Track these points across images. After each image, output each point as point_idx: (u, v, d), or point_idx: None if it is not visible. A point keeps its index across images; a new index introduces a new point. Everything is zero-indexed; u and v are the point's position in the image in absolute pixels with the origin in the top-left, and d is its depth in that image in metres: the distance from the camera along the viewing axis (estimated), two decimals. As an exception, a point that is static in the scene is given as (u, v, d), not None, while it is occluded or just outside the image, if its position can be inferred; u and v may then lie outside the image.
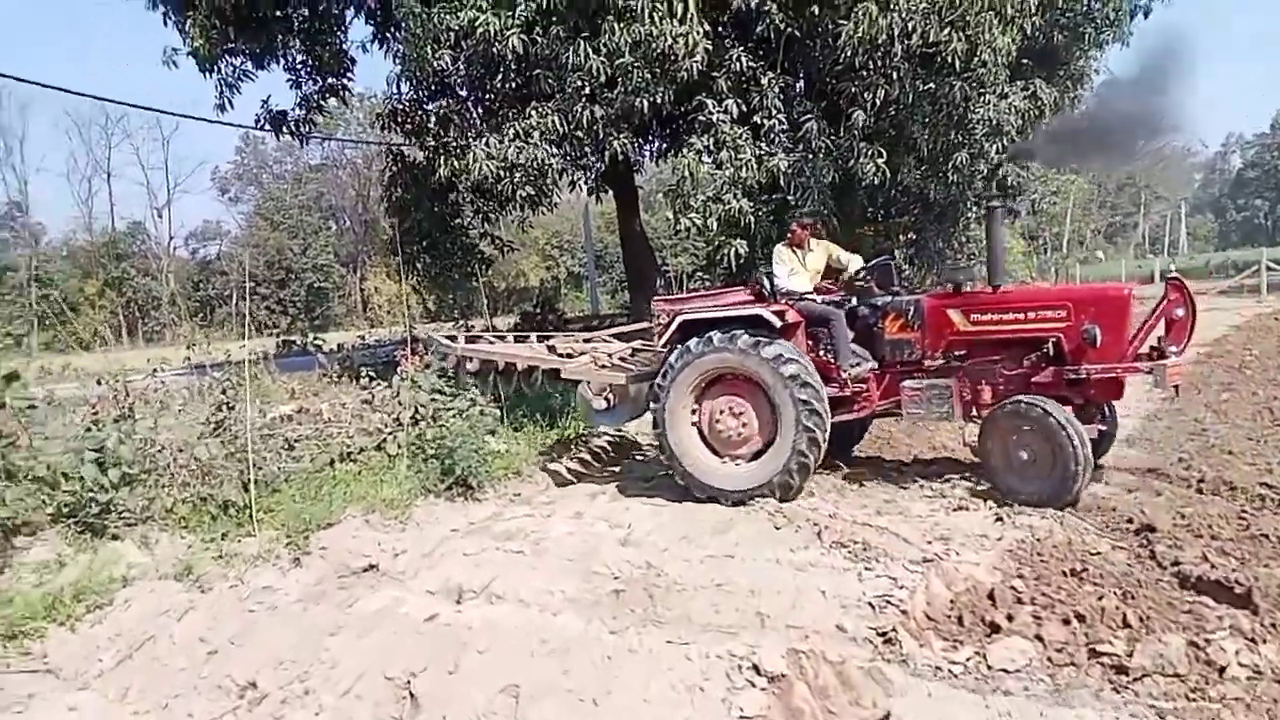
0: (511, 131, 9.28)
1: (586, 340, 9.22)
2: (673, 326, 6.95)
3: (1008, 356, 6.47)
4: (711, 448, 7.01)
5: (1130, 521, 5.32)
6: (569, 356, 8.59)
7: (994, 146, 13.56)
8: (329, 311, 59.31)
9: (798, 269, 7.54)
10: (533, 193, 9.86)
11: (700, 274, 27.07)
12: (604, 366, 8.24)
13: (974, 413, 6.64)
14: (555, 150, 9.15)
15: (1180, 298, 6.08)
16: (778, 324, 6.63)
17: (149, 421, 7.18)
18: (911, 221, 22.89)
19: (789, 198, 9.82)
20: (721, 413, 6.90)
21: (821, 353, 7.02)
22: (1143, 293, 7.50)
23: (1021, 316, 6.37)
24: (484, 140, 9.44)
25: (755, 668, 3.73)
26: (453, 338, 9.65)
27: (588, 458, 9.27)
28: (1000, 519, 5.66)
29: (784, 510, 6.32)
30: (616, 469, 8.79)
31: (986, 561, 4.83)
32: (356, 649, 4.47)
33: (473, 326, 20.09)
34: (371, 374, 11.13)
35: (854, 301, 7.42)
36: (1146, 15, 14.76)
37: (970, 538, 5.39)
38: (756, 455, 6.81)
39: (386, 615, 4.94)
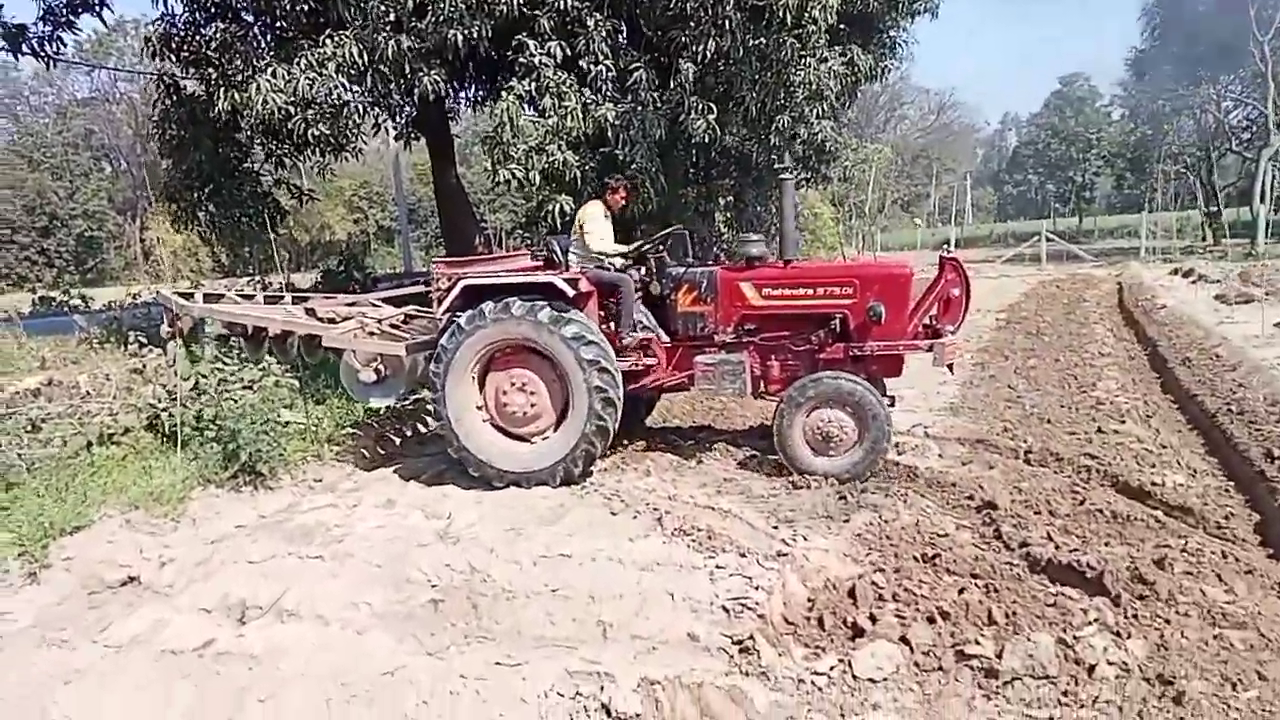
0: (304, 62, 8.09)
1: (352, 304, 8.24)
2: (454, 292, 6.26)
3: (796, 332, 6.40)
4: (498, 427, 6.42)
5: (970, 498, 5.21)
6: (331, 321, 7.60)
7: (814, 110, 13.66)
8: (104, 264, 53.13)
9: (607, 233, 7.00)
10: (329, 133, 8.70)
11: (521, 231, 26.14)
12: (373, 334, 7.30)
13: (763, 389, 6.53)
14: (354, 86, 8.05)
15: (956, 277, 6.14)
16: (570, 293, 6.12)
17: None
18: (732, 184, 23.11)
19: (617, 151, 9.23)
20: (509, 388, 6.33)
21: (611, 324, 6.65)
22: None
23: (811, 292, 6.28)
24: (271, 71, 8.18)
25: (605, 708, 3.18)
26: (189, 296, 8.40)
27: (406, 432, 8.41)
28: (844, 497, 5.40)
29: (620, 493, 5.82)
30: (436, 447, 7.96)
31: (837, 548, 4.53)
32: (96, 703, 3.53)
33: (269, 284, 18.32)
34: (142, 339, 9.67)
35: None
36: (955, -12, 15.21)
37: (816, 519, 5.09)
38: (542, 433, 6.38)
39: (142, 646, 4.01)
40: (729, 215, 25.30)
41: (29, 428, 6.62)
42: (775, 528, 5.02)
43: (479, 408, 6.41)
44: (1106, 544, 4.40)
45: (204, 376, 8.52)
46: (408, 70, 8.06)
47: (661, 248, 6.77)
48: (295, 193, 14.02)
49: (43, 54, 10.71)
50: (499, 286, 6.23)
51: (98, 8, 10.89)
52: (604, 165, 10.22)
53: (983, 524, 4.85)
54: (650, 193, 10.69)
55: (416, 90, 8.17)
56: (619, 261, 6.85)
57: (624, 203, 7.27)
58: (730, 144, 21.40)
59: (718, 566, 4.39)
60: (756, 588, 4.05)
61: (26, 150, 53.77)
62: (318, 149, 12.88)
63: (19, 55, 10.74)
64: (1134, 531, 4.57)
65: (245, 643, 4.00)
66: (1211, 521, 4.68)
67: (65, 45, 11.31)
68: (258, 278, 20.79)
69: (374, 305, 8.18)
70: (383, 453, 7.65)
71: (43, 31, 10.75)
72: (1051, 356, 10.46)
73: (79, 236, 52.39)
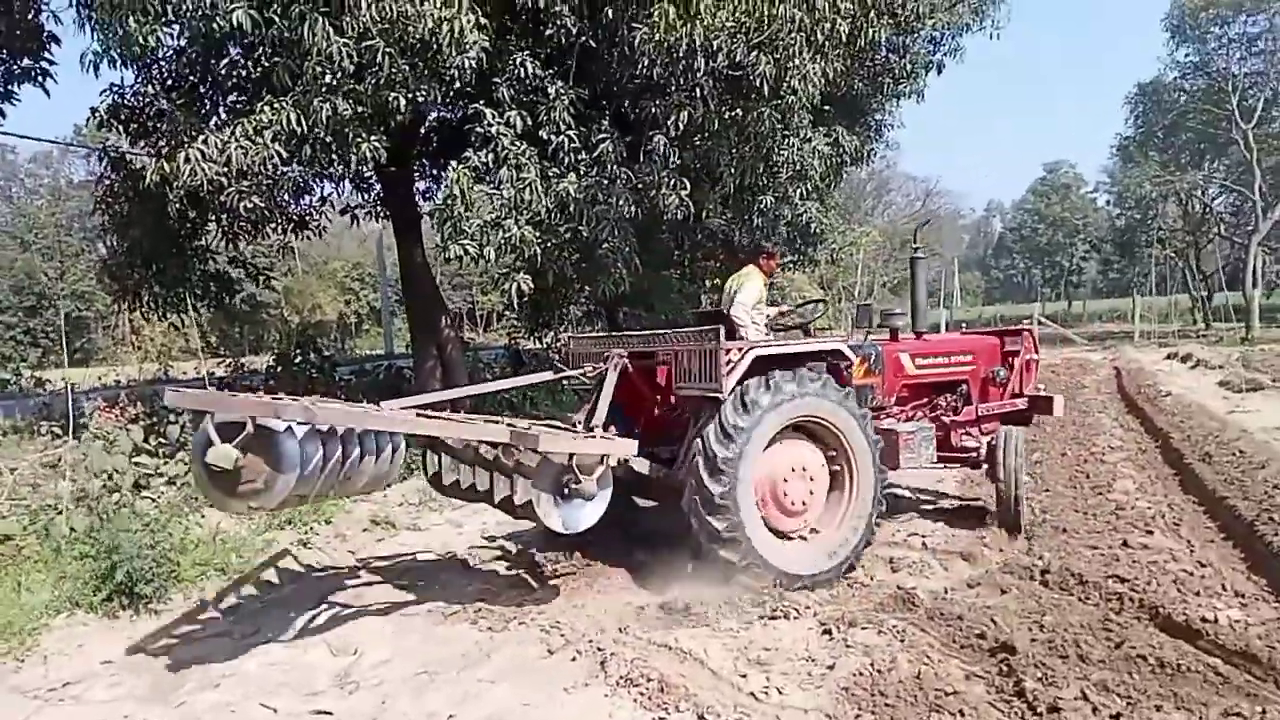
0: (238, 130, 7.42)
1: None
2: (745, 363, 5.22)
3: (934, 398, 6.92)
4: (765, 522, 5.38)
5: (982, 636, 4.25)
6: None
7: (798, 191, 13.15)
8: (90, 344, 52.41)
9: (763, 298, 6.89)
10: (263, 206, 7.99)
11: (509, 312, 25.56)
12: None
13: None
14: (289, 153, 7.35)
15: (1032, 345, 7.53)
16: (855, 362, 5.92)
17: None
18: (718, 266, 22.62)
19: (580, 228, 8.53)
20: (790, 474, 5.44)
21: None
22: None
23: (948, 360, 6.92)
24: (202, 140, 7.50)
25: None
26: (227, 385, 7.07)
27: (351, 533, 7.46)
28: (828, 632, 4.44)
29: (561, 624, 4.86)
30: (367, 553, 6.99)
31: (818, 708, 3.58)
32: None
33: (242, 366, 17.43)
34: (55, 430, 8.77)
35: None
36: (940, 71, 14.94)
37: (794, 663, 4.14)
38: (806, 527, 5.61)
39: None
40: (715, 297, 24.88)
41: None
42: (744, 676, 4.07)
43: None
44: (1159, 708, 3.46)
45: (119, 471, 7.67)
46: (349, 136, 7.39)
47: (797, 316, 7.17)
48: (253, 273, 13.33)
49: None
50: (785, 357, 5.48)
51: (38, 79, 10.31)
52: (569, 243, 9.54)
53: (999, 674, 3.89)
54: (622, 273, 9.99)
55: (354, 156, 7.49)
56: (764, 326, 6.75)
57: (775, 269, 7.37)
58: (713, 224, 21.06)
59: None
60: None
61: (19, 232, 53.78)
62: (280, 227, 12.35)
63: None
64: (1190, 689, 3.62)
65: None
66: (1283, 673, 3.76)
67: (4, 117, 10.72)
68: (228, 360, 19.99)
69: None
70: (314, 565, 6.66)
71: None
72: (1058, 450, 9.59)
73: (67, 317, 51.97)
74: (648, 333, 6.24)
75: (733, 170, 9.75)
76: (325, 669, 4.62)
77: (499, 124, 8.13)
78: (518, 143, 8.11)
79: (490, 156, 8.18)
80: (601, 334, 7.60)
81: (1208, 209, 40.87)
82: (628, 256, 9.90)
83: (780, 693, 3.84)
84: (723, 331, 5.25)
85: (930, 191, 68.72)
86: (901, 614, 4.62)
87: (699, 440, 5.22)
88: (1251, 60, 32.76)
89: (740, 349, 5.30)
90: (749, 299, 6.52)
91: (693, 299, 24.08)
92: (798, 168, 11.77)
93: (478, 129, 8.23)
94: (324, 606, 5.68)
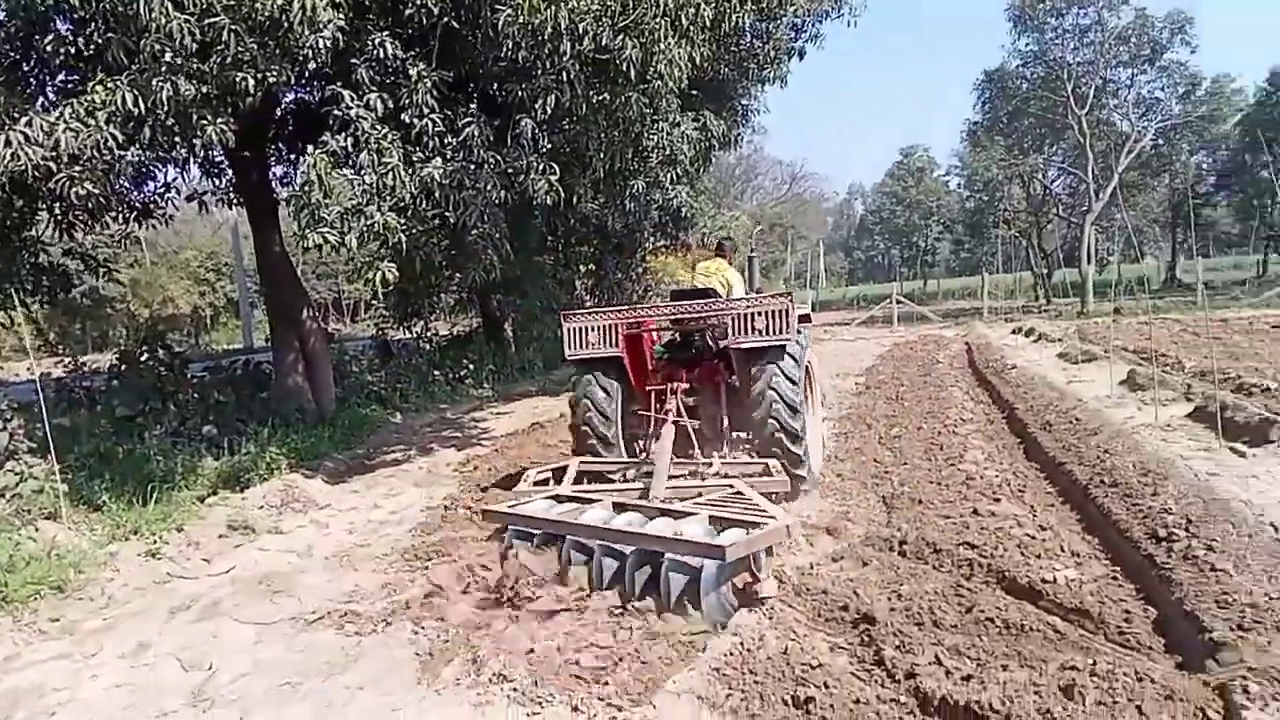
0: (69, 111, 6.83)
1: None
2: (794, 319, 6.77)
3: None
4: None
5: (845, 609, 4.43)
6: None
7: (668, 175, 13.26)
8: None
9: None
10: (96, 193, 7.39)
11: (377, 302, 24.72)
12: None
13: None
14: (126, 136, 6.82)
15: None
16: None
17: None
18: (591, 252, 22.61)
19: (448, 214, 8.31)
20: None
21: None
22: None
23: None
24: (26, 122, 6.86)
25: None
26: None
27: (205, 539, 7.04)
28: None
29: (432, 626, 4.75)
30: (226, 562, 6.63)
31: (692, 690, 3.63)
32: None
33: (81, 365, 16.11)
34: None
35: None
36: (801, 57, 15.30)
37: (674, 646, 4.20)
38: None
39: None
40: (589, 282, 24.80)
41: None
42: (618, 662, 4.10)
43: None
44: (1005, 667, 3.69)
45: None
46: (193, 118, 6.92)
47: None
48: (91, 264, 12.37)
49: None
50: (802, 316, 7.67)
51: None
52: (435, 229, 9.30)
53: (861, 644, 4.07)
54: (493, 260, 9.82)
55: (200, 142, 7.02)
56: None
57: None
58: (587, 210, 21.00)
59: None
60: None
61: None
62: (121, 215, 11.47)
63: None
64: (1032, 647, 3.89)
65: None
66: (1113, 626, 4.08)
67: None
68: (67, 359, 18.53)
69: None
70: (161, 574, 6.26)
71: None
72: (914, 424, 10.09)
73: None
74: (657, 305, 8.10)
75: (602, 155, 9.72)
76: (177, 687, 4.36)
77: (358, 107, 7.80)
78: (379, 126, 7.80)
79: (350, 140, 7.84)
80: (606, 308, 7.91)
81: (1048, 191, 43.83)
82: (498, 243, 9.73)
83: (657, 678, 3.89)
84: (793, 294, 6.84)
85: (796, 175, 70.79)
86: (772, 592, 4.75)
87: (771, 390, 6.57)
88: (1083, 50, 35.19)
89: (789, 308, 6.59)
90: (740, 283, 8.05)
91: (568, 284, 24.03)
92: (667, 152, 11.87)
93: (335, 112, 7.87)
94: (175, 621, 5.37)
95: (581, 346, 7.20)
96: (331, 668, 4.41)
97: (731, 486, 5.80)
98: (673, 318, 7.54)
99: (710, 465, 6.58)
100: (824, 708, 3.36)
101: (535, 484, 6.56)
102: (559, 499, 5.95)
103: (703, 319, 7.30)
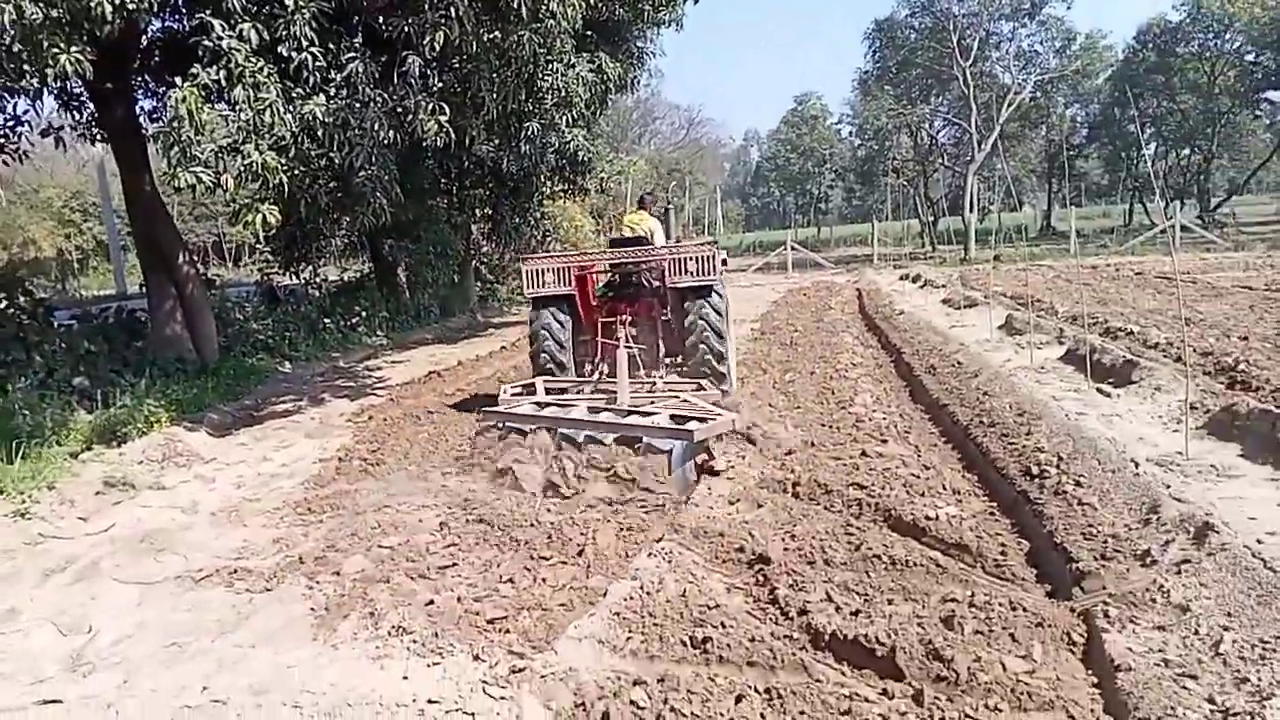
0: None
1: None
2: (719, 262, 8.04)
3: None
4: None
5: (741, 550, 4.54)
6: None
7: (564, 118, 13.01)
8: None
9: None
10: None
11: (262, 246, 23.44)
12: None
13: None
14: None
15: None
16: None
17: None
18: (488, 196, 22.07)
19: (332, 154, 7.94)
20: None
21: None
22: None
23: None
24: None
25: None
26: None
27: (80, 498, 6.62)
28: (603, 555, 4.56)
29: (328, 580, 4.63)
30: (107, 519, 6.28)
31: (593, 635, 3.66)
32: None
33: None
34: None
35: None
36: (696, 1, 15.13)
37: (576, 591, 4.23)
38: None
39: None
40: (486, 228, 24.25)
41: None
42: (521, 610, 4.10)
43: None
44: (890, 601, 3.86)
45: None
46: (44, 45, 6.32)
47: None
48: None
49: None
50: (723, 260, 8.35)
51: None
52: (321, 170, 8.89)
53: (757, 584, 4.19)
54: (382, 203, 9.46)
55: (52, 71, 6.44)
56: None
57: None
58: (482, 153, 20.42)
59: (440, 671, 3.37)
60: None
61: None
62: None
63: None
64: (916, 581, 4.08)
65: None
66: (990, 559, 4.31)
67: None
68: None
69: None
70: (24, 539, 5.88)
71: None
72: (807, 369, 10.34)
73: None
74: (612, 251, 8.60)
75: (494, 95, 9.44)
76: (53, 653, 4.13)
77: (230, 37, 7.30)
78: (253, 59, 7.32)
79: (223, 74, 7.34)
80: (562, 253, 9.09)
81: (934, 141, 45.14)
82: (387, 185, 9.40)
83: (554, 625, 3.91)
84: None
85: (693, 120, 70.54)
86: (670, 536, 4.82)
87: (701, 320, 7.86)
88: (969, 2, 36.11)
89: (715, 254, 7.89)
90: (660, 231, 9.09)
91: (463, 229, 23.45)
92: (562, 94, 11.65)
93: (206, 42, 7.35)
94: (49, 583, 5.08)
95: (539, 285, 8.16)
96: (221, 626, 4.25)
97: (678, 396, 7.11)
98: (619, 261, 8.43)
99: (655, 382, 7.73)
100: (720, 646, 3.45)
101: (513, 395, 7.56)
102: (541, 405, 7.03)
103: (644, 262, 8.28)
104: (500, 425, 6.79)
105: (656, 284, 8.25)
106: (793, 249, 33.20)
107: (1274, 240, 29.17)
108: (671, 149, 68.29)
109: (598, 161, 20.84)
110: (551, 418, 6.55)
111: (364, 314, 17.97)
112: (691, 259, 7.88)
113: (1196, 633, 3.37)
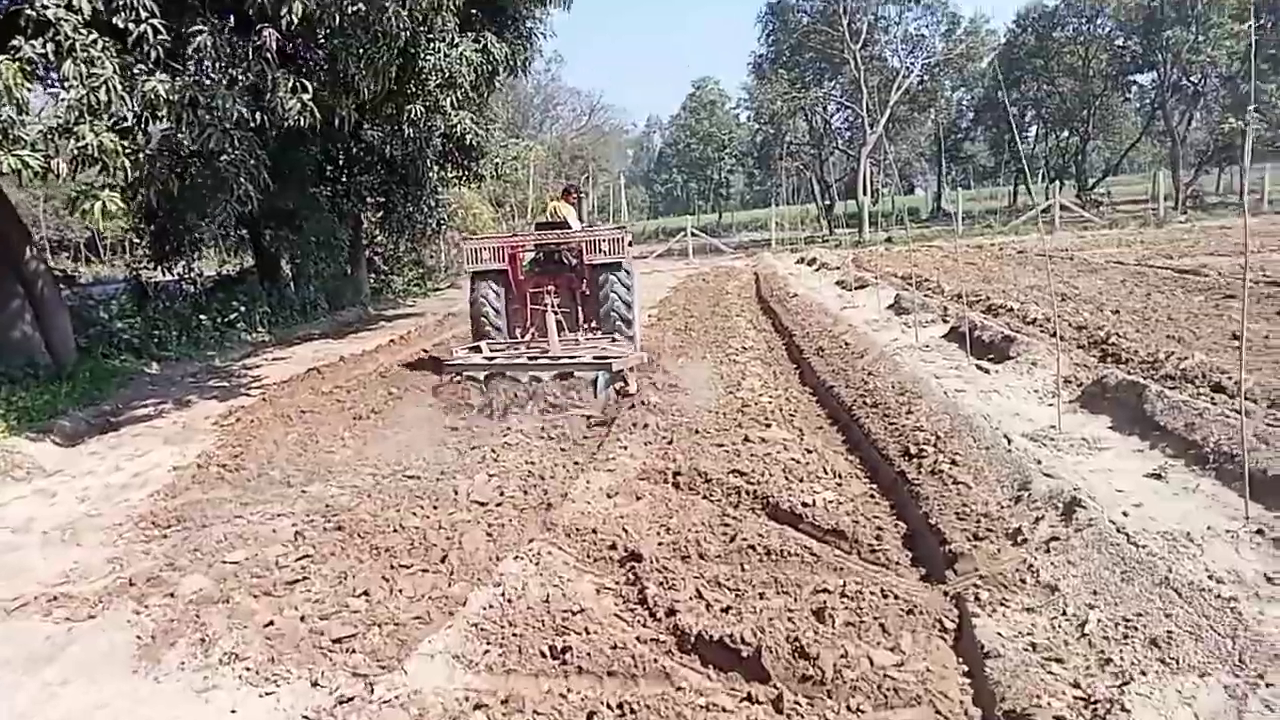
0: None
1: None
2: (627, 243, 9.85)
3: None
4: None
5: (614, 547, 4.32)
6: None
7: (449, 99, 12.52)
8: None
9: None
10: None
11: (136, 239, 21.94)
12: None
13: None
14: None
15: None
16: None
17: None
18: (378, 182, 21.24)
19: (180, 135, 7.34)
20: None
21: None
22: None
23: None
24: None
25: None
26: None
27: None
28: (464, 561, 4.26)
29: (157, 606, 4.20)
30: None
31: (447, 651, 3.38)
32: None
33: None
34: None
35: None
36: (584, -21, 14.78)
37: (435, 602, 3.93)
38: None
39: None
40: (378, 217, 23.33)
41: None
42: (370, 626, 3.78)
43: None
44: (762, 595, 3.71)
45: None
46: None
47: None
48: None
49: None
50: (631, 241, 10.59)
51: None
52: (172, 154, 8.23)
53: (627, 583, 3.97)
54: (249, 189, 8.85)
55: None
56: None
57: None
58: (371, 138, 19.62)
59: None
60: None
61: None
62: None
63: None
64: (789, 572, 3.93)
65: None
66: (865, 545, 4.20)
67: None
68: None
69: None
70: None
71: None
72: (700, 354, 10.22)
73: None
74: (539, 234, 9.95)
75: (364, 74, 8.92)
76: None
77: (58, 6, 6.64)
78: (85, 30, 6.69)
79: (50, 46, 6.68)
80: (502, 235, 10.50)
81: (828, 125, 45.87)
82: (253, 170, 8.79)
83: (415, 650, 3.60)
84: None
85: (595, 106, 69.95)
86: (541, 536, 4.56)
87: (613, 292, 9.40)
88: (857, -16, 36.74)
89: (623, 236, 9.61)
90: (575, 216, 10.31)
91: (352, 218, 22.48)
92: (446, 75, 11.23)
93: (29, 11, 6.67)
94: None
95: (478, 261, 9.80)
96: (32, 662, 3.80)
97: (597, 346, 8.85)
98: (546, 243, 9.78)
99: (577, 339, 9.24)
100: (580, 656, 3.22)
101: (466, 351, 9.31)
102: (490, 358, 8.86)
103: (565, 243, 9.66)
104: (458, 374, 8.56)
105: (575, 261, 9.59)
106: (693, 235, 33.26)
107: (1144, 218, 30.73)
108: (574, 135, 67.63)
109: (490, 146, 20.25)
110: (501, 364, 8.51)
111: (243, 309, 17.01)
112: (604, 240, 9.50)
113: (1064, 613, 3.32)
